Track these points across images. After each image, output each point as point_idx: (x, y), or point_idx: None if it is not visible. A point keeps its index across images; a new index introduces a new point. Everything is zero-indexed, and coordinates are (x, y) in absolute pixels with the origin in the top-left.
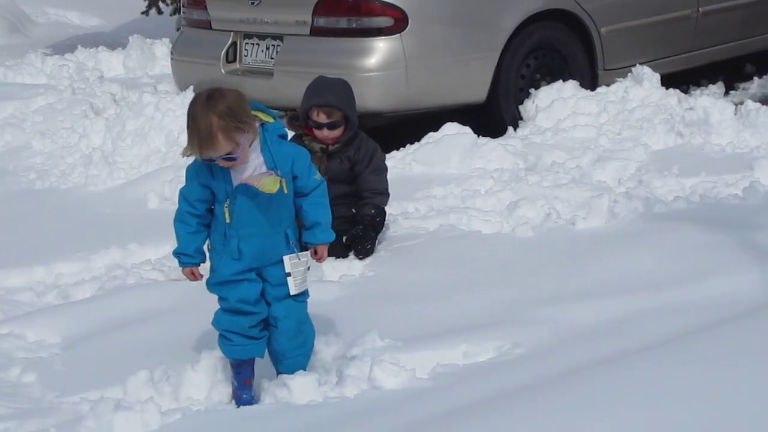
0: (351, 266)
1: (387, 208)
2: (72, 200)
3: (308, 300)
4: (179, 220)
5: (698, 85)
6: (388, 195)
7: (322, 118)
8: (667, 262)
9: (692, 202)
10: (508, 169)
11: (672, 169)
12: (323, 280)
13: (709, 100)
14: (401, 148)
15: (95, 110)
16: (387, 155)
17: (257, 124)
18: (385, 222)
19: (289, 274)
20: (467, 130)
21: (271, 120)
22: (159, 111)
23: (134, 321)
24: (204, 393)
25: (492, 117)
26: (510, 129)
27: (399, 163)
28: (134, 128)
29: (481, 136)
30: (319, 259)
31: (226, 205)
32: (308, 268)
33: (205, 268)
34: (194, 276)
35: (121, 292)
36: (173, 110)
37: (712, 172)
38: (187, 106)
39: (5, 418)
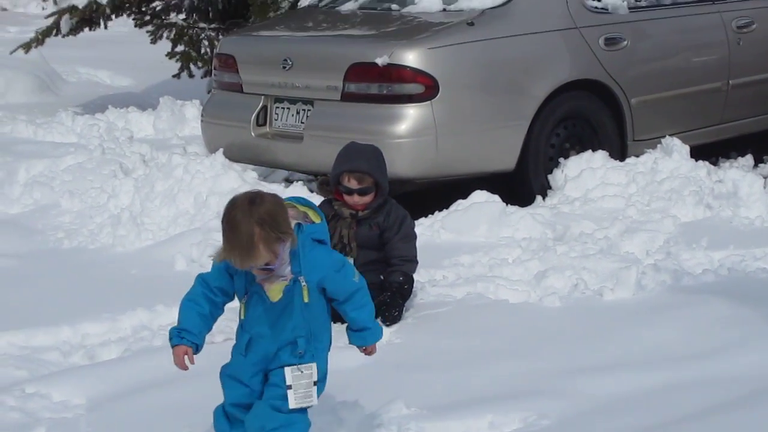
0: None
1: (415, 276)
2: (99, 260)
3: (319, 394)
4: (191, 299)
5: (727, 157)
6: (416, 262)
7: (353, 184)
8: (694, 335)
9: (720, 275)
10: (536, 239)
11: (700, 242)
12: (349, 346)
13: (738, 172)
14: (430, 215)
15: (124, 170)
16: (415, 222)
17: (295, 230)
18: (413, 289)
19: (289, 387)
20: (496, 198)
21: (318, 220)
22: (188, 173)
23: (160, 383)
24: None
25: (521, 185)
26: (539, 198)
27: (427, 230)
28: (163, 189)
29: (509, 205)
30: (370, 353)
31: (243, 300)
32: (315, 383)
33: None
34: (185, 362)
35: (148, 354)
36: (202, 172)
37: (740, 245)
38: (216, 169)
39: None
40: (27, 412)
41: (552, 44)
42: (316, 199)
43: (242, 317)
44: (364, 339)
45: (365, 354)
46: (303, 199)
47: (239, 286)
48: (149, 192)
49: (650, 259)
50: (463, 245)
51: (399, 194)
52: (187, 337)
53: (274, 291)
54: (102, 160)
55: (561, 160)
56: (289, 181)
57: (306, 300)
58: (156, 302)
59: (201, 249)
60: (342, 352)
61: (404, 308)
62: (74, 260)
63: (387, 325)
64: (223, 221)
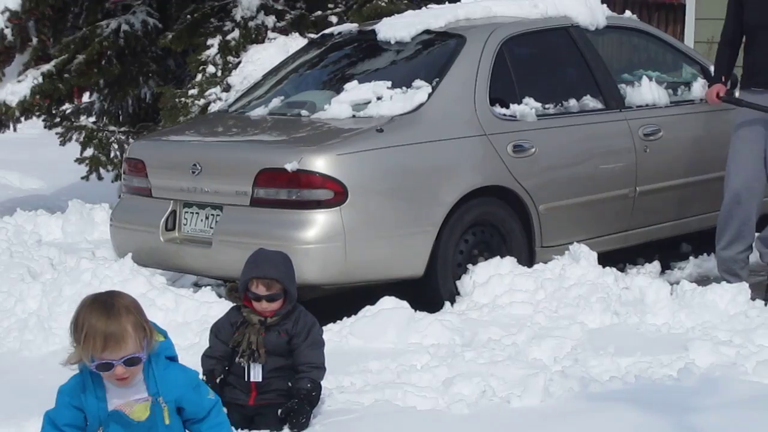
0: None
1: (322, 382)
2: (6, 365)
3: None
4: None
5: (635, 263)
6: (324, 369)
7: (262, 290)
8: None
9: (627, 382)
10: (445, 345)
11: (608, 348)
12: None
13: (645, 279)
14: (338, 321)
15: (32, 274)
16: (323, 327)
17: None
18: (321, 396)
19: None
20: (404, 304)
21: (160, 337)
22: (96, 277)
23: None
24: None
25: (429, 291)
26: (447, 304)
27: (335, 336)
28: (71, 294)
29: (418, 311)
30: None
31: None
32: None
33: None
34: None
35: None
36: (111, 277)
37: (647, 352)
38: (125, 273)
39: None
40: None
41: (461, 151)
42: (226, 305)
43: None
44: None
45: None
46: None
47: (92, 416)
48: (57, 296)
49: (558, 366)
50: (371, 351)
51: (307, 300)
52: None
53: (139, 411)
54: (10, 264)
55: (469, 266)
56: (197, 286)
57: (167, 422)
58: None
59: None
60: None
61: (312, 415)
62: None
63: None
64: (82, 315)
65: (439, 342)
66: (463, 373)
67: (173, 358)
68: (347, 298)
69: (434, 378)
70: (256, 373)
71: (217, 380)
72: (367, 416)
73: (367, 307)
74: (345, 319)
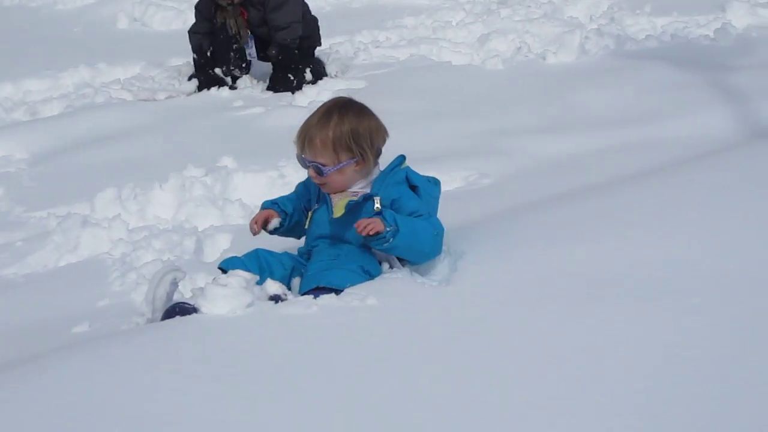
0: (320, 92)
1: (357, 36)
2: (41, 17)
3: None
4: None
5: None
6: (291, 27)
7: None
8: (637, 98)
9: (663, 41)
10: (480, 2)
11: (644, 8)
12: (293, 105)
13: None
14: None
15: None
16: None
17: (376, 162)
18: (353, 48)
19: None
20: None
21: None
22: None
23: (102, 139)
24: (171, 212)
25: None
26: None
27: None
28: None
29: None
30: (364, 227)
31: (313, 209)
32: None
33: None
34: (262, 220)
35: (90, 111)
36: None
37: (684, 12)
38: None
39: None
40: None
41: None
42: None
43: (306, 226)
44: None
45: (361, 229)
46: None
47: (314, 195)
48: None
49: (594, 24)
50: (406, 7)
51: None
52: (279, 203)
53: (339, 206)
54: None
55: None
56: None
57: (378, 207)
58: (98, 60)
59: (143, 8)
60: (285, 110)
61: (303, 70)
62: (15, 17)
63: (279, 91)
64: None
65: None
66: (499, 30)
67: (414, 188)
68: None
69: (469, 34)
70: (251, 53)
71: (207, 53)
72: (403, 70)
73: None
74: None
